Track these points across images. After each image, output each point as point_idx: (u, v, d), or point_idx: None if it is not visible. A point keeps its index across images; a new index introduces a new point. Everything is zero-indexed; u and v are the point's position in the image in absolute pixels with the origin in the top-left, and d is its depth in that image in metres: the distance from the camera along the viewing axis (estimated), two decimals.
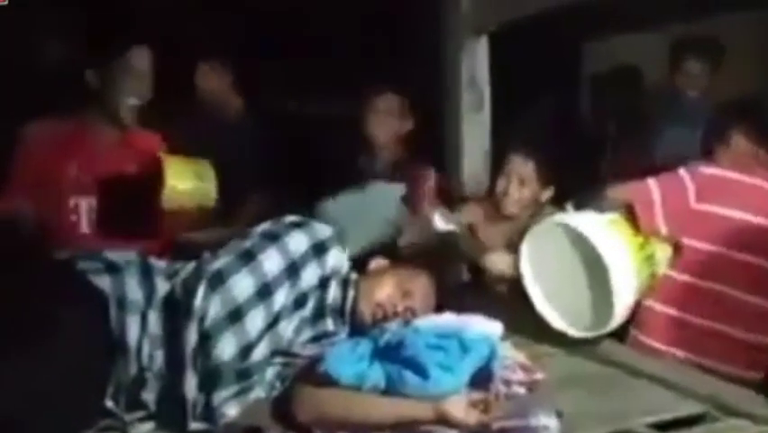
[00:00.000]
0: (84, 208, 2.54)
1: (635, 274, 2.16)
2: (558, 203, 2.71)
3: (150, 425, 1.80)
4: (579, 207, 2.41)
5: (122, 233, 2.47)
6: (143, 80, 2.53)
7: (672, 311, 2.34)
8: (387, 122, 3.10)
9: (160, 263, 1.94)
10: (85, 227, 2.55)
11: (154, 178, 2.40)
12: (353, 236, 2.90)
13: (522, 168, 2.71)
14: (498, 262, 2.54)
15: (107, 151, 2.57)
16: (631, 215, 2.26)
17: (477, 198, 2.97)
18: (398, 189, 2.97)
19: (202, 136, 2.94)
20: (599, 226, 2.18)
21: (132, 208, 2.48)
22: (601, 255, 2.11)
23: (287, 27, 4.27)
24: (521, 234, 2.35)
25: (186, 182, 2.43)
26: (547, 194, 2.75)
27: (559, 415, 1.73)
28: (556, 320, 2.26)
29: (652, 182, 2.31)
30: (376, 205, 2.94)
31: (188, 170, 2.46)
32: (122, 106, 2.52)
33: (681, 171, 2.34)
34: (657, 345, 2.33)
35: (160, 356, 1.81)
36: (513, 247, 2.43)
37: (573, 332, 2.24)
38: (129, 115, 2.54)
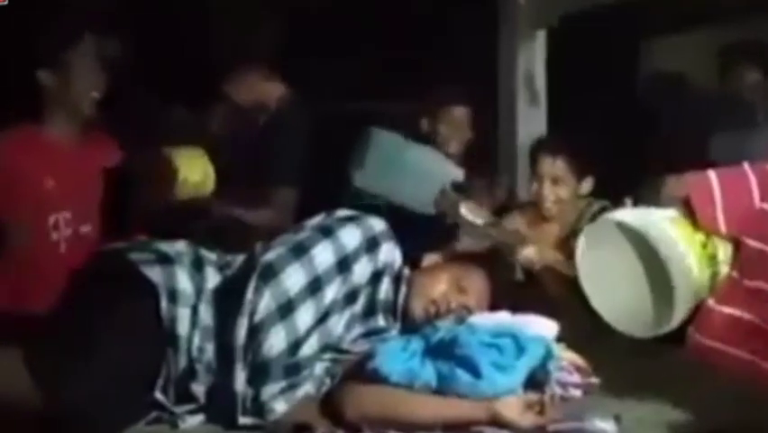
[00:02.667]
0: (62, 225, 2.41)
1: (696, 274, 2.09)
2: (611, 198, 2.65)
3: (199, 418, 1.79)
4: (637, 201, 2.34)
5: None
6: (98, 68, 2.43)
7: (734, 312, 2.25)
8: (458, 134, 3.04)
9: (211, 255, 1.93)
10: (63, 247, 2.40)
11: (162, 174, 2.38)
12: (376, 179, 2.80)
13: (551, 167, 2.62)
14: (531, 255, 2.49)
15: (78, 158, 2.44)
16: (689, 209, 2.18)
17: (520, 205, 2.89)
18: (454, 172, 2.78)
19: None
20: (659, 224, 2.11)
21: (126, 212, 2.43)
22: (661, 254, 2.04)
23: (340, 23, 4.26)
24: (572, 232, 2.29)
25: (196, 173, 2.43)
26: (586, 186, 2.67)
27: (617, 420, 1.68)
28: (614, 319, 2.20)
29: (712, 175, 2.21)
30: (415, 165, 2.77)
31: (192, 163, 2.45)
32: (82, 98, 2.41)
33: (745, 167, 2.25)
34: (719, 346, 2.24)
35: (210, 349, 1.80)
36: (561, 246, 2.38)
37: (632, 332, 2.17)
38: (91, 106, 2.43)
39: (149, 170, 2.40)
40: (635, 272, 2.15)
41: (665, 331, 2.12)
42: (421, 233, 2.41)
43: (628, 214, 2.22)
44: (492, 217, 2.62)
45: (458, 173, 2.78)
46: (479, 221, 2.58)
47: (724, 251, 2.21)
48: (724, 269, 2.22)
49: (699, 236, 2.14)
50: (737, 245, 2.23)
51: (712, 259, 2.16)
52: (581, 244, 2.22)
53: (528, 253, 2.49)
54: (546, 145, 2.68)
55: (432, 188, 2.73)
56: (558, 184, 2.62)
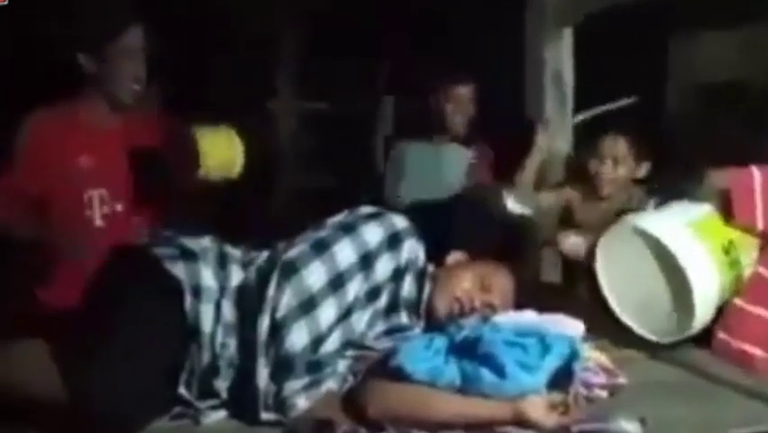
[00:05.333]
0: (97, 202, 2.43)
1: (717, 280, 2.06)
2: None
3: (221, 413, 1.79)
4: (667, 198, 2.30)
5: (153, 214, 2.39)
6: (140, 59, 2.42)
7: (763, 312, 2.22)
8: (463, 111, 3.31)
9: (235, 251, 1.93)
10: (98, 221, 2.43)
11: (186, 152, 2.29)
12: (418, 186, 3.17)
13: (614, 147, 2.69)
14: (575, 243, 2.49)
15: (115, 137, 2.44)
16: (727, 203, 2.14)
17: (572, 181, 2.93)
18: (468, 154, 3.28)
19: None
20: (680, 232, 2.07)
21: (158, 192, 2.40)
22: (681, 265, 2.01)
23: (360, 22, 4.27)
24: (619, 214, 2.29)
25: (215, 154, 2.31)
26: (643, 170, 2.73)
27: (642, 422, 1.65)
28: (635, 325, 2.17)
29: (755, 171, 2.17)
30: (447, 161, 3.25)
31: (218, 140, 2.34)
32: (122, 88, 2.42)
33: None
34: (745, 346, 2.21)
35: (232, 345, 1.80)
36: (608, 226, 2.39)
37: (653, 337, 2.15)
38: (130, 97, 2.43)
39: (169, 146, 2.37)
40: (654, 278, 2.12)
41: (685, 337, 2.10)
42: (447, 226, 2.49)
43: (647, 221, 2.17)
44: (538, 204, 2.69)
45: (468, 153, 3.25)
46: (526, 212, 2.62)
47: (747, 253, 2.17)
48: (747, 271, 2.19)
49: (722, 241, 2.10)
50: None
51: (735, 264, 2.12)
52: (600, 251, 2.20)
53: (572, 240, 2.51)
54: (610, 125, 2.76)
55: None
56: (618, 164, 2.69)
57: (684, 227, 2.09)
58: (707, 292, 2.04)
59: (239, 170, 2.36)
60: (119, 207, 2.46)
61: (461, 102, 3.28)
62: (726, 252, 2.10)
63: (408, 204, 3.12)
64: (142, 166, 2.43)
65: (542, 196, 2.83)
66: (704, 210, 2.17)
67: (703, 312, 2.06)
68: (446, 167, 3.24)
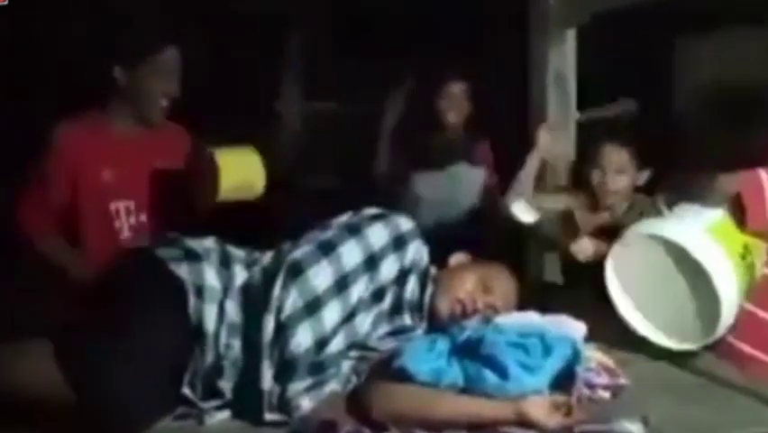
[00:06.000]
0: (123, 213, 2.49)
1: (737, 285, 2.05)
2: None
3: (225, 413, 1.80)
4: (676, 200, 2.29)
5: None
6: (173, 80, 2.47)
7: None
8: (456, 107, 3.31)
9: (238, 252, 1.94)
10: (126, 232, 2.49)
11: (205, 174, 2.33)
12: (437, 212, 3.16)
13: (617, 157, 2.66)
14: (586, 248, 2.49)
15: (142, 149, 2.49)
16: (738, 208, 2.13)
17: (575, 188, 2.91)
18: (480, 173, 3.30)
19: None
20: (701, 237, 2.05)
21: (181, 207, 2.41)
22: (706, 270, 1.99)
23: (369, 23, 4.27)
24: (620, 222, 2.28)
25: (234, 176, 2.32)
26: (643, 177, 2.71)
27: (645, 422, 1.66)
28: (650, 334, 2.16)
29: (763, 174, 2.16)
30: (461, 184, 3.26)
31: (237, 162, 2.36)
32: (151, 106, 2.47)
33: None
34: (753, 350, 2.21)
35: (237, 345, 1.81)
36: (609, 235, 2.39)
37: (670, 344, 2.13)
38: (158, 114, 2.49)
39: (189, 167, 2.42)
40: (669, 283, 2.10)
41: (704, 344, 2.09)
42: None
43: (665, 227, 2.14)
44: (543, 213, 2.69)
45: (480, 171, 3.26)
46: (530, 219, 2.63)
47: (760, 257, 2.16)
48: (758, 274, 2.18)
49: (738, 245, 2.09)
50: None
51: (750, 268, 2.11)
52: (611, 259, 2.18)
53: (584, 244, 2.51)
54: (611, 133, 2.73)
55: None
56: (621, 174, 2.67)
57: (704, 232, 2.07)
58: (731, 298, 2.03)
59: (260, 192, 2.38)
60: (143, 218, 2.51)
61: (454, 99, 3.30)
62: (743, 256, 2.08)
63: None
64: (165, 188, 2.48)
65: (544, 198, 2.82)
66: (717, 214, 2.15)
67: (727, 317, 2.06)
68: (461, 192, 3.27)
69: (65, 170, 2.44)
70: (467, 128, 3.35)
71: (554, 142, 3.05)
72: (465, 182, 3.30)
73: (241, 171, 2.35)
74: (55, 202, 2.45)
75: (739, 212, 2.10)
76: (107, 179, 2.46)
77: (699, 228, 2.08)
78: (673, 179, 2.62)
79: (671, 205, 2.23)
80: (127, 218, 2.49)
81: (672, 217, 2.20)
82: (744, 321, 2.20)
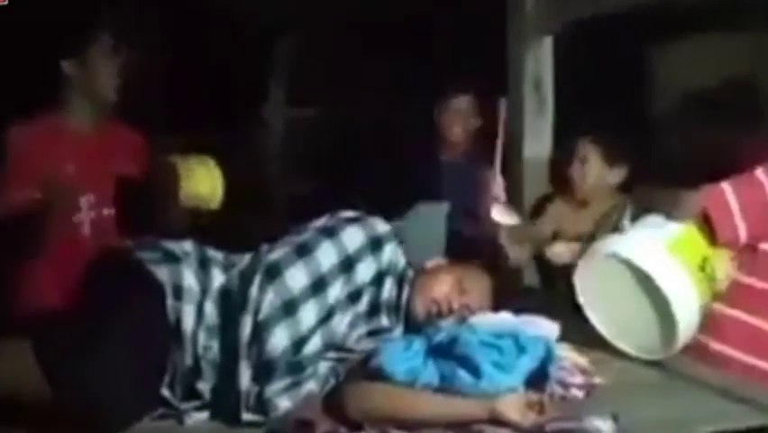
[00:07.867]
0: (85, 207, 2.49)
1: (696, 300, 2.09)
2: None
3: (204, 414, 1.81)
4: (644, 213, 2.31)
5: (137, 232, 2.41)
6: (117, 61, 2.50)
7: (745, 317, 2.25)
8: (458, 121, 3.21)
9: (216, 254, 1.96)
10: (87, 227, 2.50)
11: (163, 180, 2.39)
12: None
13: (584, 150, 2.76)
14: (561, 252, 2.54)
15: (99, 146, 2.51)
16: (706, 223, 2.15)
17: (558, 191, 2.98)
18: (443, 208, 3.06)
19: None
20: (657, 256, 2.09)
21: (141, 208, 2.45)
22: (661, 288, 2.04)
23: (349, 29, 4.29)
24: (602, 223, 2.38)
25: (191, 186, 2.40)
26: (617, 174, 2.77)
27: (614, 419, 1.68)
28: (620, 344, 2.20)
29: (727, 187, 2.18)
30: (423, 227, 2.95)
31: (200, 171, 2.44)
32: (106, 86, 2.49)
33: (757, 172, 2.22)
34: (726, 350, 2.24)
35: (215, 347, 1.82)
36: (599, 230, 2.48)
37: (639, 355, 2.18)
38: (114, 93, 2.50)
39: (151, 175, 2.45)
40: (634, 298, 2.13)
41: (668, 355, 2.12)
42: None
43: (622, 245, 2.16)
44: (521, 218, 2.73)
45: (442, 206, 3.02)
46: (511, 222, 2.67)
47: (720, 266, 2.18)
48: (722, 283, 2.20)
49: (698, 258, 2.12)
50: (753, 251, 2.22)
51: (711, 280, 2.14)
52: (577, 277, 2.22)
53: (558, 249, 2.56)
54: (579, 126, 2.83)
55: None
56: (585, 164, 2.75)
57: (662, 251, 2.10)
58: (689, 315, 2.07)
59: (217, 203, 2.45)
60: (106, 212, 2.52)
61: (458, 114, 3.20)
62: (702, 268, 2.11)
63: None
64: (122, 186, 2.50)
65: (536, 228, 2.86)
66: (679, 227, 2.18)
67: (686, 333, 2.10)
68: (422, 234, 2.89)
69: (24, 171, 2.42)
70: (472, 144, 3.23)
71: (532, 145, 3.10)
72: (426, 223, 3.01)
73: (199, 181, 2.42)
74: (23, 202, 2.42)
75: (708, 227, 2.13)
76: (68, 172, 2.46)
77: (657, 246, 2.09)
78: (638, 192, 2.65)
79: (636, 218, 2.26)
80: (88, 212, 2.50)
81: (632, 235, 2.21)
82: (712, 320, 2.24)
